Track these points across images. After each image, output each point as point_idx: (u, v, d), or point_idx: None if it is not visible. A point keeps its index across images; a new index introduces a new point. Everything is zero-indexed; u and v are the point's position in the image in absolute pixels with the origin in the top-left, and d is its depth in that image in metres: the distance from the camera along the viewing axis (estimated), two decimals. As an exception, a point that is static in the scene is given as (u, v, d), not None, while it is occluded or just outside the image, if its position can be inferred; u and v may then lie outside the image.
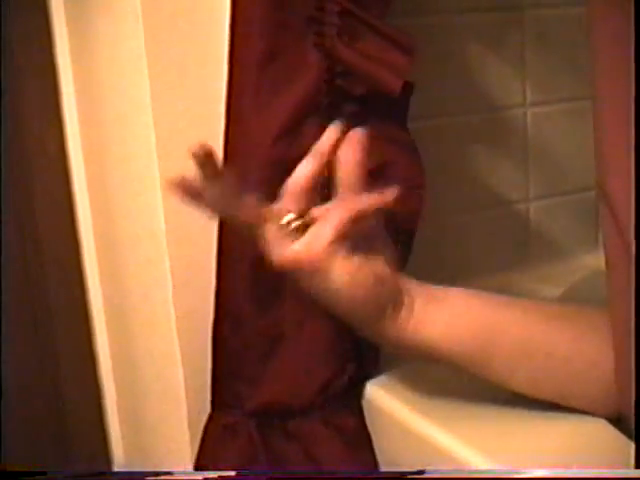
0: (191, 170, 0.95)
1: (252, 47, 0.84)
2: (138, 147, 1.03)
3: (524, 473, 0.70)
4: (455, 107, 1.15)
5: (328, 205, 0.71)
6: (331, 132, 0.72)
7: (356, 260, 0.71)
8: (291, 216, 0.70)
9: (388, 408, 0.87)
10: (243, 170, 0.85)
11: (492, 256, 1.24)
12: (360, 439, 0.90)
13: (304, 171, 0.71)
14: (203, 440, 0.95)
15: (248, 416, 0.89)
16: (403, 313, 0.74)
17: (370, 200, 0.70)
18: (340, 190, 0.72)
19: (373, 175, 0.83)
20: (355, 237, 0.71)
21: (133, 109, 1.02)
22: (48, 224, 1.53)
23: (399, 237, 0.77)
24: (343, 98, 0.84)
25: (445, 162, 1.15)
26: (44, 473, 0.82)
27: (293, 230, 0.70)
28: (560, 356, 0.76)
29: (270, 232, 0.70)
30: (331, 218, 0.70)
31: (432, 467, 0.77)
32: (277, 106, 0.83)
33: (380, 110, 0.84)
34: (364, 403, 0.90)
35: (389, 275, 0.74)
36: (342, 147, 0.72)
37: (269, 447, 0.90)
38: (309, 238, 0.70)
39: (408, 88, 0.83)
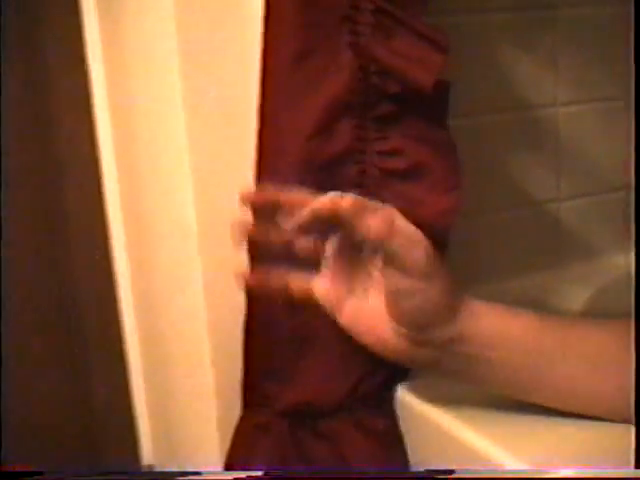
0: (222, 168, 0.95)
1: (285, 45, 0.83)
2: (169, 145, 1.03)
3: (552, 473, 0.70)
4: (486, 106, 1.14)
5: None
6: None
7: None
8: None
9: (420, 410, 0.86)
10: (276, 169, 0.85)
11: (522, 256, 1.23)
12: (391, 440, 0.89)
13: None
14: (234, 439, 0.95)
15: (279, 416, 0.89)
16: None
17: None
18: None
19: (407, 175, 0.83)
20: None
21: (164, 107, 1.03)
22: (79, 223, 1.54)
23: (434, 237, 0.76)
24: (377, 97, 0.83)
25: (475, 161, 1.15)
26: (41, 473, 0.82)
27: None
28: (585, 374, 0.76)
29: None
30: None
31: (463, 468, 0.77)
32: (310, 105, 0.83)
33: (416, 109, 0.83)
34: (396, 404, 0.90)
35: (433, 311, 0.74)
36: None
37: (299, 447, 0.90)
38: (328, 274, 0.74)
39: (444, 86, 0.82)
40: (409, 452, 0.90)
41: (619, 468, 0.68)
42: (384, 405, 0.89)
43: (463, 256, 1.09)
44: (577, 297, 1.15)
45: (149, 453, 1.58)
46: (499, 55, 1.14)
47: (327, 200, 0.72)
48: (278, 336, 0.88)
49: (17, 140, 1.56)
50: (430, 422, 0.85)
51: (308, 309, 0.82)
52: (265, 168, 0.87)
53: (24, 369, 1.65)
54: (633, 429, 0.67)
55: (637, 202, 0.67)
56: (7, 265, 1.58)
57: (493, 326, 0.76)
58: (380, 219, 0.71)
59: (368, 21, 0.84)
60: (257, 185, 0.88)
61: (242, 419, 0.94)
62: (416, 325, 0.74)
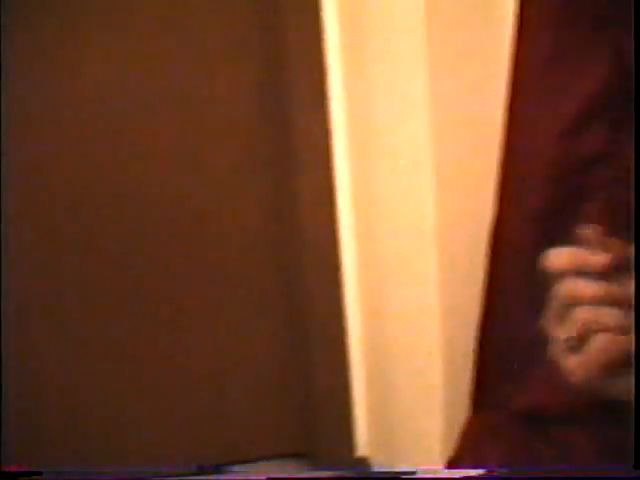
0: (464, 167, 0.95)
1: (540, 44, 0.82)
2: (410, 143, 1.04)
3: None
4: None
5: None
6: None
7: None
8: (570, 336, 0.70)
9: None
10: (524, 168, 0.84)
11: None
12: (625, 452, 0.86)
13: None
14: (461, 440, 0.94)
15: (511, 419, 0.88)
16: None
17: None
18: None
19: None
20: None
21: (407, 105, 1.04)
22: (309, 216, 1.58)
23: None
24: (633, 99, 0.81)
25: None
26: (40, 473, 0.83)
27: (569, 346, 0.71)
28: None
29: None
30: (606, 346, 0.68)
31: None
32: (564, 104, 0.81)
33: (675, 112, 0.80)
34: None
35: None
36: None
37: (528, 452, 0.88)
38: (583, 359, 0.69)
39: None
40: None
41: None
42: (621, 415, 0.86)
43: None
44: None
45: (364, 445, 1.60)
46: None
47: None
48: (516, 338, 0.86)
49: (253, 134, 1.61)
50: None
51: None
52: (512, 167, 0.86)
53: (245, 354, 1.71)
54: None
55: (637, 202, 0.65)
56: (238, 254, 1.64)
57: None
58: None
59: (625, 20, 0.82)
60: (501, 183, 0.87)
61: (471, 419, 0.94)
62: None
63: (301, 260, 1.57)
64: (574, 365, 0.71)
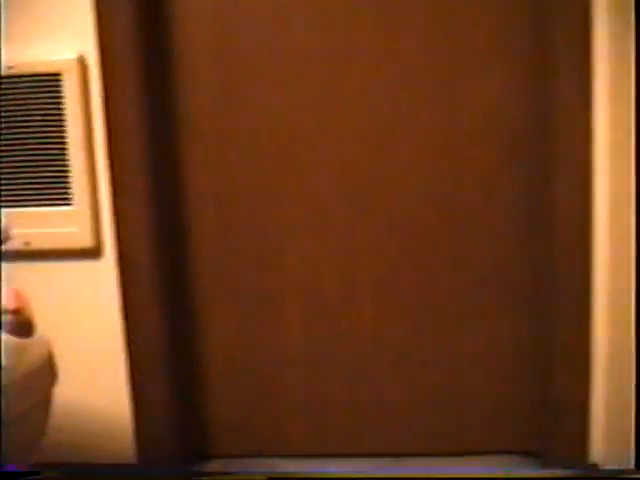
0: None
1: None
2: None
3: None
4: None
5: None
6: None
7: None
8: None
9: None
10: None
11: None
12: None
13: None
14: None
15: None
16: None
17: None
18: None
19: None
20: None
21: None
22: (563, 221, 1.58)
23: None
24: None
25: None
26: (37, 473, 0.85)
27: None
28: None
29: None
30: None
31: None
32: None
33: None
34: None
35: None
36: None
37: None
38: None
39: None
40: None
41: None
42: None
43: None
44: None
45: (599, 453, 1.59)
46: None
47: None
48: None
49: (514, 135, 1.63)
50: None
51: None
52: None
53: (488, 352, 1.73)
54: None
55: (637, 202, 0.60)
56: (489, 253, 1.67)
57: None
58: None
59: None
60: None
61: None
62: None
63: (550, 265, 1.58)
64: None
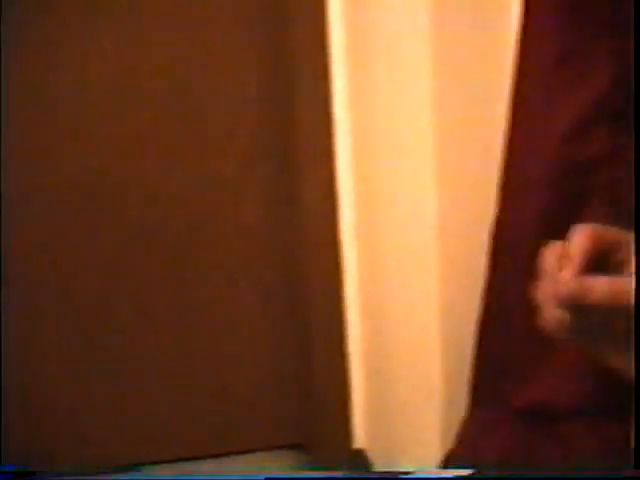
0: (466, 168, 0.97)
1: (544, 48, 0.83)
2: (413, 142, 1.05)
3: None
4: None
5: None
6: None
7: None
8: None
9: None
10: (526, 168, 0.85)
11: None
12: (623, 449, 0.88)
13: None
14: (459, 436, 0.95)
15: (511, 415, 0.89)
16: None
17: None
18: None
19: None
20: None
21: (411, 106, 1.05)
22: (312, 211, 1.59)
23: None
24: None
25: None
26: (33, 473, 0.84)
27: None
28: None
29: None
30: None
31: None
32: (568, 107, 0.82)
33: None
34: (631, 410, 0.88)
35: None
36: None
37: (528, 447, 0.90)
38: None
39: None
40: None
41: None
42: (620, 413, 0.88)
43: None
44: None
45: (361, 438, 1.61)
46: None
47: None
48: (516, 334, 0.88)
49: (258, 133, 1.62)
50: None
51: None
52: (513, 168, 0.87)
53: (246, 348, 1.72)
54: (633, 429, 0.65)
55: (637, 203, 0.66)
56: (238, 251, 1.65)
57: None
58: None
59: (627, 25, 0.83)
60: (503, 184, 0.88)
61: (470, 415, 0.95)
62: None
63: (302, 257, 1.58)
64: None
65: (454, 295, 0.99)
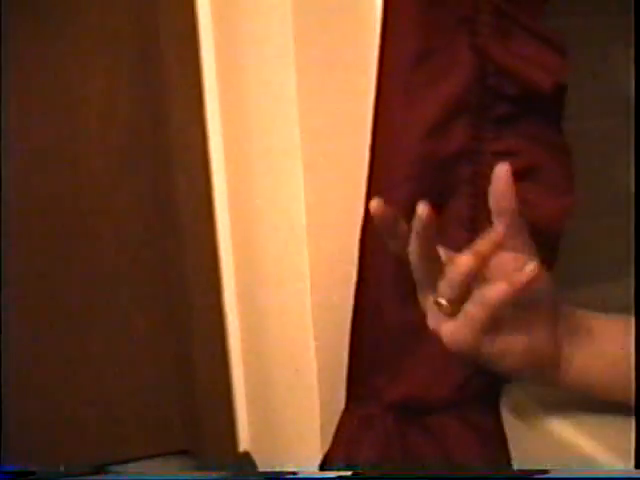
0: (334, 164, 0.97)
1: (405, 45, 0.84)
2: (282, 141, 1.05)
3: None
4: (599, 110, 1.13)
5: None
6: (493, 237, 0.72)
7: (510, 336, 0.73)
8: (443, 301, 0.71)
9: (526, 409, 0.87)
10: (390, 166, 0.86)
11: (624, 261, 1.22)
12: (495, 439, 0.90)
13: (463, 268, 0.70)
14: (337, 432, 0.96)
15: (385, 410, 0.90)
16: (563, 366, 0.75)
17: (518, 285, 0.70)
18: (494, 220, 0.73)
19: (521, 177, 0.83)
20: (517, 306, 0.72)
21: (278, 104, 1.04)
22: (187, 212, 1.57)
23: (544, 242, 0.76)
24: (494, 98, 0.84)
25: (583, 165, 1.14)
26: (33, 473, 0.84)
27: (444, 310, 0.71)
28: None
29: (428, 301, 0.72)
30: (484, 302, 0.70)
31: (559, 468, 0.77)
32: (427, 104, 0.84)
33: (532, 111, 0.83)
34: (502, 403, 0.90)
35: (548, 341, 0.74)
36: (492, 184, 0.73)
37: (404, 442, 0.91)
38: (461, 322, 0.71)
39: (561, 89, 0.83)
40: (513, 453, 0.90)
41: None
42: (491, 403, 0.90)
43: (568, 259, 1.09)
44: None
45: (246, 440, 1.61)
46: (613, 58, 1.13)
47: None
48: (388, 330, 0.89)
49: (131, 132, 1.60)
50: (537, 423, 0.85)
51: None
52: (379, 165, 0.88)
53: (125, 352, 1.69)
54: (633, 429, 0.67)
55: (637, 203, 0.68)
56: (115, 254, 1.63)
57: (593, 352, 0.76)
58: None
59: (487, 22, 0.85)
60: (370, 181, 0.89)
61: (346, 412, 0.96)
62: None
63: (180, 259, 1.56)
64: (450, 330, 0.72)
65: (327, 292, 1.00)
